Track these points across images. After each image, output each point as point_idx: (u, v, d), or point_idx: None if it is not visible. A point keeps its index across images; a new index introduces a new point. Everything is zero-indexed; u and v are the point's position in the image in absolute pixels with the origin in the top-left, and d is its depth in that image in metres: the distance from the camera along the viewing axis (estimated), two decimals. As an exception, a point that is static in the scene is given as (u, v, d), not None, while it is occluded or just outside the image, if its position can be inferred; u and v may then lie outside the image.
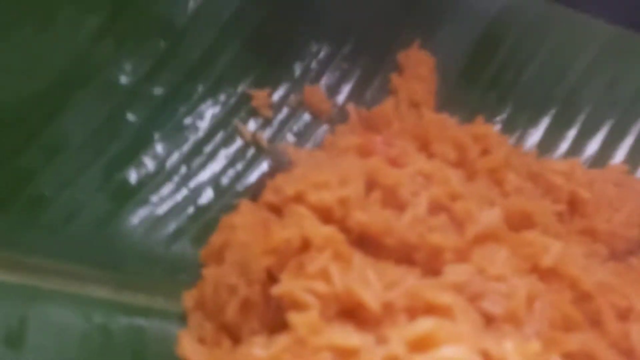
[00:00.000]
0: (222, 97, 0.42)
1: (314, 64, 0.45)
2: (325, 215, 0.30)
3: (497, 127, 0.43)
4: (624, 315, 0.28)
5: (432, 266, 0.29)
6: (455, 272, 0.27)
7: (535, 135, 0.43)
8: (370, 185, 0.32)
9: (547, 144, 0.43)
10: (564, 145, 0.43)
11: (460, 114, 0.42)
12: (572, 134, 0.43)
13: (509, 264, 0.29)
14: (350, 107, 0.41)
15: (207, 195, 0.40)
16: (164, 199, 0.39)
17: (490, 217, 0.30)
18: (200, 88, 0.42)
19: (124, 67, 0.41)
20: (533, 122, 0.43)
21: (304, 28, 0.45)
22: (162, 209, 0.38)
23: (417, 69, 0.43)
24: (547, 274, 0.29)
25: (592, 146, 0.43)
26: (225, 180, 0.41)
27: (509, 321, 0.26)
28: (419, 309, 0.26)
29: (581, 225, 0.36)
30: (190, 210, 0.39)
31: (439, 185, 0.32)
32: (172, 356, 0.32)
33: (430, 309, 0.25)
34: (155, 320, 0.34)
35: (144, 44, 0.41)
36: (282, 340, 0.26)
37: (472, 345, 0.23)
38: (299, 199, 0.31)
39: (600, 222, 0.36)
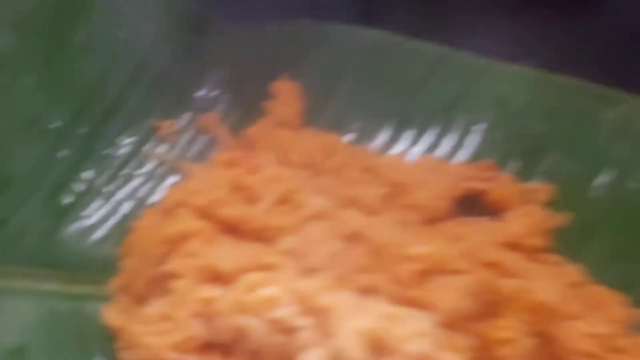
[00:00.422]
0: (134, 130, 0.54)
1: (208, 97, 0.57)
2: (201, 213, 0.43)
3: (353, 135, 0.56)
4: (406, 259, 0.40)
5: (276, 240, 0.42)
6: (285, 242, 0.40)
7: (380, 139, 0.56)
8: (234, 188, 0.44)
9: (388, 145, 0.56)
10: (400, 146, 0.56)
11: (323, 127, 0.55)
12: (408, 135, 0.56)
13: (327, 233, 0.41)
14: (222, 133, 0.53)
15: (127, 208, 0.51)
16: (93, 214, 0.51)
17: (317, 202, 0.43)
18: (116, 125, 0.54)
19: (54, 114, 0.53)
20: (379, 129, 0.56)
21: (197, 70, 0.57)
22: (91, 221, 0.50)
23: (286, 95, 0.55)
24: (353, 237, 0.41)
25: (421, 145, 0.55)
26: (141, 194, 0.53)
27: (322, 271, 0.39)
28: (257, 268, 0.38)
29: (401, 201, 0.49)
30: (113, 220, 0.51)
31: (284, 184, 0.44)
32: (102, 326, 0.44)
33: (263, 267, 0.38)
34: (90, 303, 0.46)
35: (68, 95, 0.53)
36: (167, 300, 0.38)
37: (286, 287, 0.36)
38: (181, 204, 0.43)
39: (415, 198, 0.48)
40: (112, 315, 0.42)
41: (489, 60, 0.58)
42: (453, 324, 0.38)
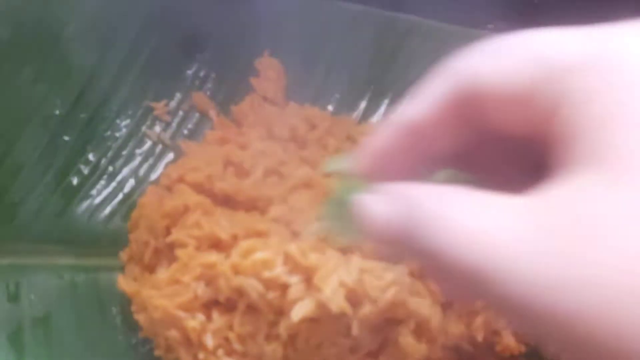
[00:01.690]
0: (130, 112, 0.58)
1: (197, 77, 0.61)
2: (198, 188, 0.48)
3: (333, 107, 0.61)
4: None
5: (267, 209, 0.47)
6: (275, 210, 0.45)
7: (360, 108, 0.61)
8: (227, 164, 0.49)
9: (366, 114, 0.60)
10: (378, 114, 0.60)
11: (305, 100, 0.59)
12: (383, 104, 0.60)
13: (313, 200, 0.46)
14: (212, 112, 0.58)
15: (130, 185, 0.56)
16: (99, 192, 0.55)
17: (302, 172, 0.48)
18: (114, 108, 0.58)
19: (55, 102, 0.57)
20: (357, 100, 0.61)
21: (184, 51, 0.61)
22: (98, 200, 0.55)
23: (268, 72, 0.60)
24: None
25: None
26: (142, 172, 0.57)
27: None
28: (251, 235, 0.43)
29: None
30: (119, 197, 0.55)
31: (271, 158, 0.49)
32: (117, 293, 0.49)
33: (256, 234, 0.43)
34: (104, 273, 0.52)
35: (66, 83, 0.57)
36: (174, 267, 0.44)
37: (277, 250, 0.41)
38: (180, 180, 0.48)
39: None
40: (125, 282, 0.48)
41: (458, 27, 0.62)
42: (423, 274, 0.43)
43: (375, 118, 0.60)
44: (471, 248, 0.19)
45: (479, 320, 0.45)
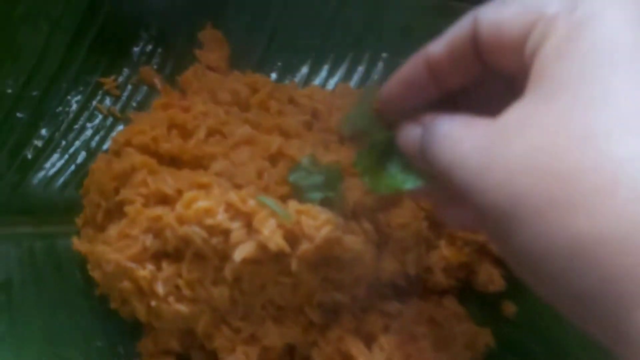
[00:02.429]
0: (81, 88, 0.61)
1: (144, 52, 0.63)
2: (144, 150, 0.50)
3: (275, 73, 0.64)
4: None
5: (209, 165, 0.49)
6: (217, 165, 0.48)
7: (302, 73, 0.64)
8: (171, 126, 0.52)
9: (307, 79, 0.64)
10: (318, 79, 0.64)
11: (248, 69, 0.62)
12: (324, 69, 0.64)
13: (253, 155, 0.49)
14: (157, 80, 0.60)
15: (82, 157, 0.59)
16: (53, 165, 0.58)
17: (243, 130, 0.51)
18: (64, 85, 0.60)
19: (7, 82, 0.59)
20: (298, 66, 0.64)
21: (131, 29, 0.63)
22: (52, 171, 0.57)
23: (211, 43, 0.62)
24: (275, 157, 0.49)
25: (336, 77, 0.63)
26: (93, 144, 0.60)
27: (248, 185, 0.47)
28: (195, 187, 0.46)
29: (320, 126, 0.56)
30: (72, 168, 0.58)
31: (213, 119, 0.52)
32: (75, 256, 0.52)
33: (199, 186, 0.46)
34: (61, 239, 0.54)
35: (18, 63, 0.59)
36: (123, 222, 0.46)
37: (219, 200, 0.44)
38: (127, 143, 0.51)
39: (333, 120, 0.56)
40: (80, 243, 0.50)
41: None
42: (358, 214, 0.47)
43: (316, 82, 0.63)
44: (447, 152, 0.28)
45: (411, 257, 0.49)
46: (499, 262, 0.51)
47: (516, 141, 0.25)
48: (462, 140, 0.28)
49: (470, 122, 0.28)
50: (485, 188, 0.25)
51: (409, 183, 0.36)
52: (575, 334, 0.49)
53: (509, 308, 0.51)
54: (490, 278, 0.51)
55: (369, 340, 0.47)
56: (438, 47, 0.32)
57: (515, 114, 0.26)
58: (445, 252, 0.50)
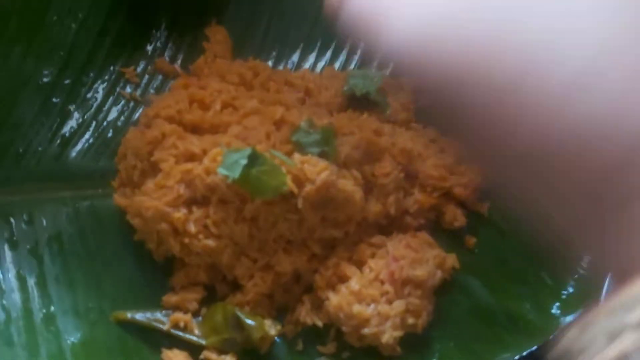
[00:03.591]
0: (106, 77, 0.72)
1: (157, 46, 0.75)
2: (171, 120, 0.61)
3: (271, 62, 0.75)
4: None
5: (226, 130, 0.61)
6: (233, 129, 0.59)
7: (293, 60, 0.76)
8: (191, 101, 0.63)
9: (299, 64, 0.75)
10: (307, 64, 0.76)
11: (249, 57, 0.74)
12: (312, 56, 0.76)
13: (261, 121, 0.61)
14: (176, 67, 0.72)
15: (110, 133, 0.70)
16: (87, 140, 0.69)
17: (250, 103, 0.62)
18: (91, 75, 0.71)
19: (44, 72, 0.69)
20: (291, 53, 0.76)
21: (145, 26, 0.74)
22: (87, 145, 0.68)
23: (217, 36, 0.74)
24: (280, 122, 0.61)
25: (322, 61, 0.76)
26: (119, 124, 0.70)
27: (260, 144, 0.58)
28: (217, 146, 0.57)
29: (311, 101, 0.68)
30: (103, 142, 0.69)
31: (226, 94, 0.63)
32: (112, 210, 0.63)
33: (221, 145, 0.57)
34: (101, 199, 0.65)
35: (51, 57, 0.69)
36: (159, 176, 0.57)
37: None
38: (156, 116, 0.62)
39: (322, 97, 0.68)
40: (119, 198, 0.61)
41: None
42: (349, 165, 0.58)
43: (305, 66, 0.75)
44: None
45: (392, 200, 0.60)
46: (461, 204, 0.63)
47: None
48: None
49: None
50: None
51: None
52: (523, 257, 0.62)
53: (470, 240, 0.64)
54: (454, 217, 0.63)
55: (360, 266, 0.59)
56: None
57: None
58: (418, 197, 0.62)
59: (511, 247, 0.63)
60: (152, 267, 0.61)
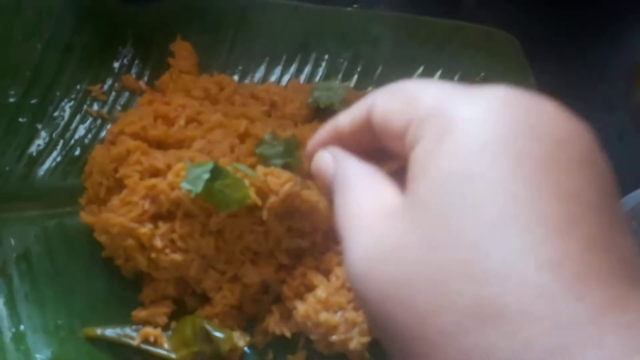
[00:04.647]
0: (73, 96, 0.72)
1: (123, 63, 0.75)
2: (135, 137, 0.62)
3: (237, 76, 0.76)
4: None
5: (190, 145, 0.61)
6: (198, 144, 0.60)
7: (259, 74, 0.77)
8: (156, 117, 0.64)
9: (264, 78, 0.77)
10: (274, 77, 0.77)
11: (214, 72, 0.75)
12: (277, 70, 0.77)
13: (225, 135, 0.61)
14: (141, 83, 0.72)
15: (78, 151, 0.70)
16: (55, 159, 0.69)
17: (214, 117, 0.63)
18: (58, 93, 0.71)
19: (10, 92, 0.70)
20: (256, 68, 0.77)
21: (111, 44, 0.75)
22: (54, 164, 0.68)
23: (182, 52, 0.75)
24: (244, 136, 0.62)
25: (287, 75, 0.77)
26: (86, 141, 0.71)
27: (224, 157, 0.59)
28: (181, 161, 0.58)
29: (277, 114, 0.69)
30: (70, 160, 0.69)
31: (190, 109, 0.64)
32: (80, 228, 0.63)
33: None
34: (69, 217, 0.65)
35: (17, 77, 0.70)
36: (124, 192, 0.58)
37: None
38: (121, 132, 0.62)
39: (287, 109, 0.69)
40: (86, 216, 0.61)
41: (330, 7, 0.80)
42: (311, 176, 0.59)
43: (272, 79, 0.76)
44: (350, 222, 0.29)
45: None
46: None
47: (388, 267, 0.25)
48: (360, 214, 0.28)
49: (376, 195, 0.29)
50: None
51: None
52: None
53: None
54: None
55: (327, 274, 0.60)
56: (344, 120, 0.35)
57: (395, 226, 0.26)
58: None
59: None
60: (121, 283, 0.61)
